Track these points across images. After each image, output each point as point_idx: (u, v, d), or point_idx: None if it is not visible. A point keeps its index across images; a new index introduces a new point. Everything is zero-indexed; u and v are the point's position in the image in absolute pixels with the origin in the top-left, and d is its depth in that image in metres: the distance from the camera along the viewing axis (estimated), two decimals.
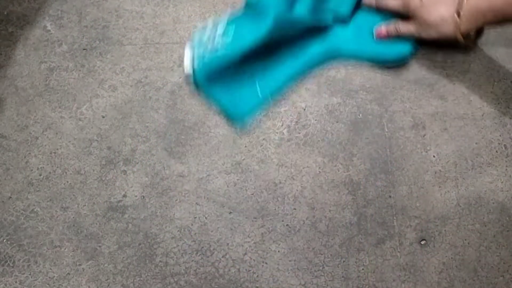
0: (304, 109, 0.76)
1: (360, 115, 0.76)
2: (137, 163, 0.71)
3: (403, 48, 0.78)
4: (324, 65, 0.80)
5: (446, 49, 0.79)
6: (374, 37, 0.78)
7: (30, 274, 0.65)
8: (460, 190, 0.72)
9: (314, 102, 0.77)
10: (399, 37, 0.77)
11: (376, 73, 0.79)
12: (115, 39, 0.78)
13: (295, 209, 0.71)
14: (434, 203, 0.72)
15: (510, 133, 0.75)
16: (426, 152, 0.74)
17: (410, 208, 0.72)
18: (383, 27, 0.78)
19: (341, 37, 0.80)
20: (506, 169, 0.73)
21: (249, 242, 0.68)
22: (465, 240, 0.70)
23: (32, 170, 0.70)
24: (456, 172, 0.73)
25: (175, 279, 0.64)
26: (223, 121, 0.73)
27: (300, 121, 0.75)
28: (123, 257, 0.65)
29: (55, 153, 0.71)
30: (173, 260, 0.65)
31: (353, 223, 0.71)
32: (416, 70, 0.79)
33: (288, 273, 0.68)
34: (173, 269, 0.65)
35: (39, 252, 0.66)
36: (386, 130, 0.75)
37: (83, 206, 0.68)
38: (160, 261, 0.65)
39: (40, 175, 0.70)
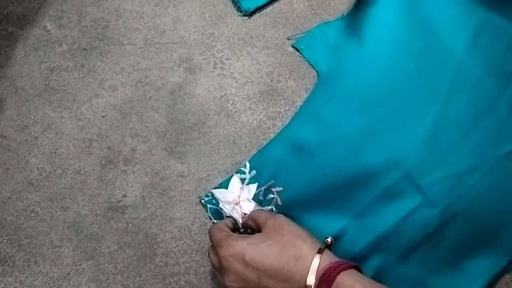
0: None
1: None
2: (137, 163, 0.71)
3: None
4: None
5: None
6: None
7: (30, 274, 0.65)
8: None
9: None
10: None
11: None
12: (115, 39, 0.78)
13: None
14: None
15: None
16: None
17: None
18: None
19: None
20: None
21: None
22: None
23: (32, 170, 0.70)
24: None
25: (175, 279, 0.64)
26: (223, 121, 0.73)
27: None
28: (123, 257, 0.65)
29: (55, 153, 0.71)
30: (173, 260, 0.65)
31: None
32: None
33: None
34: (173, 269, 0.65)
35: (39, 252, 0.66)
36: None
37: (83, 206, 0.68)
38: (160, 261, 0.65)
39: (40, 175, 0.70)
